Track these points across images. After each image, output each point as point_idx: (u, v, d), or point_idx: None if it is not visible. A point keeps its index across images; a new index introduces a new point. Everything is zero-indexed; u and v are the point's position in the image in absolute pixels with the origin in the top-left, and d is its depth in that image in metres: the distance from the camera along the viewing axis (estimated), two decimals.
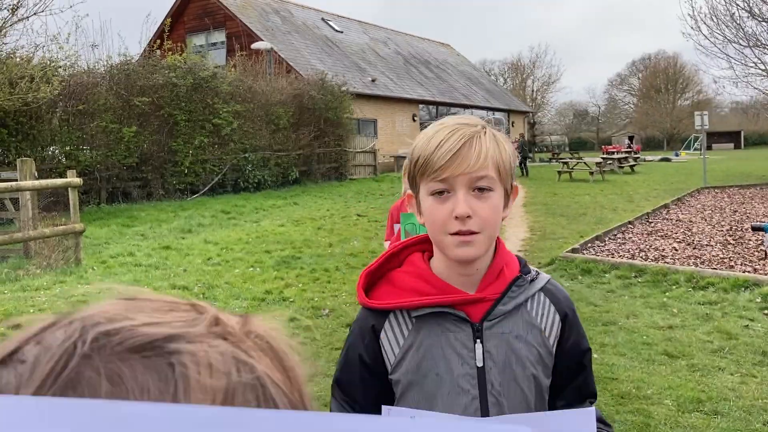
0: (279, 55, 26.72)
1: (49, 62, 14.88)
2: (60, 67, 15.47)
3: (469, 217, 1.23)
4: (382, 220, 12.44)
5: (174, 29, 28.14)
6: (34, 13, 14.43)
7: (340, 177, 24.63)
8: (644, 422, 4.12)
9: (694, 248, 9.98)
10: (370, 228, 12.54)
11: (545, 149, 58.91)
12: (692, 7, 43.85)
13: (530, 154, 35.60)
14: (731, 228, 11.85)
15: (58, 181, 10.09)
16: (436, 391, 1.31)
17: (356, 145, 26.31)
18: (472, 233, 1.24)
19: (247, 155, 19.65)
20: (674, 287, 7.57)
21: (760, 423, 4.09)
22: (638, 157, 34.70)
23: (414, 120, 33.13)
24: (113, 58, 17.97)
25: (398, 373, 1.34)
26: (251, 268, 9.03)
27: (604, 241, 10.89)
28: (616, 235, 11.49)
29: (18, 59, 14.29)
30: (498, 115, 42.95)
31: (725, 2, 23.44)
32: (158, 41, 19.74)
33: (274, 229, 12.51)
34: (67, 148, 15.81)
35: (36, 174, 10.11)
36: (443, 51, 46.12)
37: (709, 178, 21.91)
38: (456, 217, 1.23)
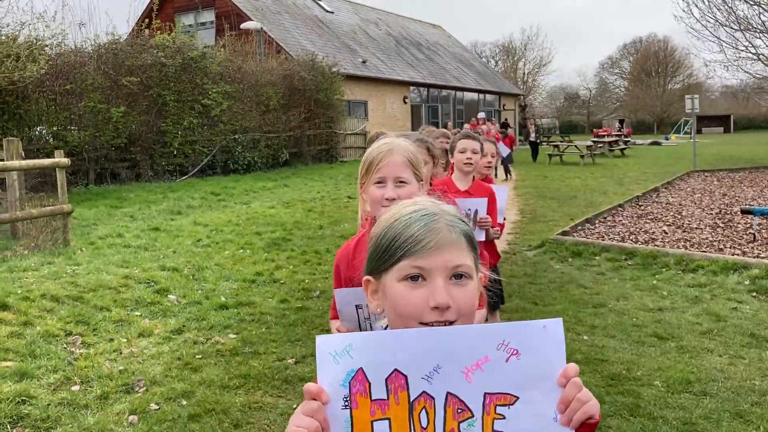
0: (269, 36, 26.46)
1: (35, 41, 14.66)
2: (46, 45, 15.25)
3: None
4: None
5: (162, 8, 27.80)
6: None
7: (330, 159, 24.54)
8: (634, 403, 4.14)
9: (684, 231, 10.02)
10: None
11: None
12: None
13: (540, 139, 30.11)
14: (721, 211, 11.90)
15: (46, 161, 9.97)
16: None
17: (347, 127, 26.19)
18: None
19: (236, 136, 19.52)
20: (664, 270, 7.60)
21: (748, 404, 4.12)
22: (628, 141, 34.75)
23: (405, 102, 32.98)
24: (101, 37, 17.74)
25: None
26: (241, 250, 8.99)
27: (594, 223, 10.92)
28: (606, 218, 11.52)
29: (3, 38, 14.07)
30: (489, 97, 42.84)
31: None
32: (146, 20, 19.47)
33: (265, 211, 12.46)
34: (55, 128, 15.63)
35: (23, 154, 10.00)
36: (435, 32, 45.85)
37: (698, 162, 21.98)
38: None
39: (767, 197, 13.97)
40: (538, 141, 28.24)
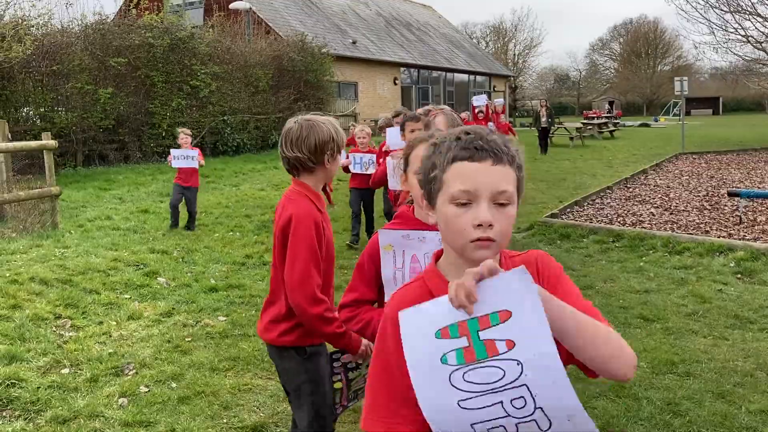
0: (258, 16, 26.24)
1: (20, 20, 14.49)
2: (32, 25, 15.08)
3: None
4: None
5: None
6: None
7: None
8: (619, 384, 4.20)
9: (671, 213, 10.10)
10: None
11: (526, 114, 58.83)
12: None
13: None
14: (708, 194, 11.99)
15: (33, 143, 9.91)
16: None
17: (337, 108, 26.07)
18: None
19: (225, 118, 19.40)
20: (651, 252, 7.67)
21: (731, 384, 4.19)
22: (618, 123, 34.80)
23: (395, 83, 32.85)
24: (88, 17, 17.55)
25: None
26: (231, 233, 8.99)
27: (583, 206, 10.98)
28: (594, 200, 11.58)
29: None
30: (479, 78, 42.73)
31: None
32: (134, 0, 19.26)
33: (254, 193, 12.44)
34: (42, 109, 15.48)
35: (9, 136, 9.91)
36: (425, 13, 45.58)
37: (687, 144, 22.08)
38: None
39: (754, 180, 14.08)
40: (551, 128, 22.89)
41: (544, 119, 22.25)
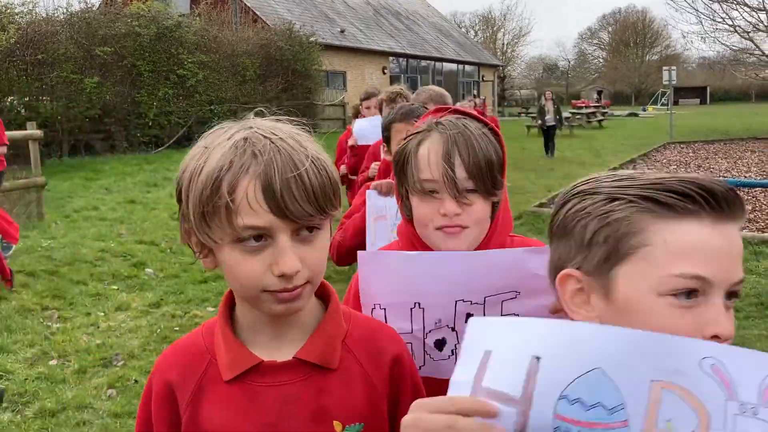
0: (245, 4, 26.06)
1: (3, 9, 14.31)
2: (16, 13, 14.90)
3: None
4: None
5: None
6: None
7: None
8: None
9: None
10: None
11: (514, 104, 58.94)
12: None
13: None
14: None
15: (18, 133, 9.79)
16: None
17: (325, 98, 25.96)
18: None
19: (213, 107, 19.28)
20: None
21: None
22: (606, 112, 34.88)
23: (384, 73, 32.75)
24: (73, 5, 17.41)
25: None
26: None
27: None
28: None
29: None
30: (468, 68, 42.68)
31: None
32: None
33: None
34: (26, 99, 15.31)
35: None
36: (414, 1, 45.40)
37: (675, 134, 22.19)
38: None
39: (740, 169, 14.17)
40: (558, 126, 18.68)
41: (549, 116, 18.40)
